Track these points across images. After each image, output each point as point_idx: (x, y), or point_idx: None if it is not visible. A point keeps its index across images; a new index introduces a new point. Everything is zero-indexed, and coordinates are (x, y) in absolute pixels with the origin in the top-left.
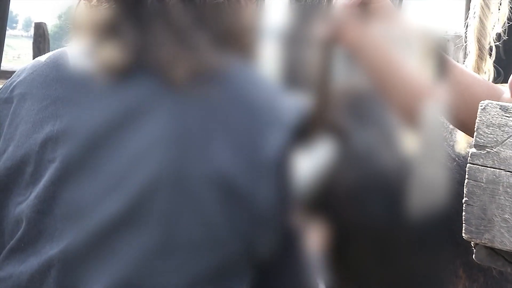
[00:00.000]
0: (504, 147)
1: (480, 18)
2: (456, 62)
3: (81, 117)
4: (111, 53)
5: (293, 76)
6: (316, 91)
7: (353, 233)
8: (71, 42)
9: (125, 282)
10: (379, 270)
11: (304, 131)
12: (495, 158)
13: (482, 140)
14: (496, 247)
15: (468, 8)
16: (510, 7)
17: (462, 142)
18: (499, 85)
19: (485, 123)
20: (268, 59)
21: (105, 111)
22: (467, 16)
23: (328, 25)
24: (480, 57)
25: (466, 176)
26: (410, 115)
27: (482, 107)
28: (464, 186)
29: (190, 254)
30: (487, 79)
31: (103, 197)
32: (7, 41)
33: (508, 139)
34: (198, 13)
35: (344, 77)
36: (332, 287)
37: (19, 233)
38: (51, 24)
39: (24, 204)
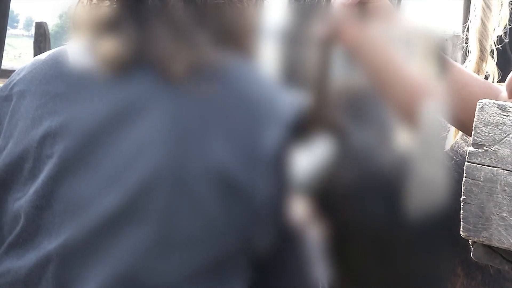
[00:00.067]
0: (501, 145)
1: (481, 19)
2: (454, 62)
3: (79, 112)
4: (110, 48)
5: (292, 75)
6: (315, 90)
7: (352, 232)
8: (71, 40)
9: (123, 277)
10: (378, 269)
11: (301, 127)
12: (492, 156)
13: (480, 139)
14: (493, 245)
15: (466, 8)
16: (511, 8)
17: (452, 138)
18: (497, 84)
19: (483, 122)
20: (267, 58)
21: (104, 106)
22: (467, 17)
23: (326, 24)
24: (481, 59)
25: (464, 174)
26: (409, 114)
27: (480, 106)
28: (462, 185)
29: (188, 249)
30: (491, 81)
31: (101, 192)
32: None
33: (506, 138)
34: (198, 12)
35: (342, 76)
36: (332, 286)
37: (18, 228)
38: (52, 24)
39: (22, 199)
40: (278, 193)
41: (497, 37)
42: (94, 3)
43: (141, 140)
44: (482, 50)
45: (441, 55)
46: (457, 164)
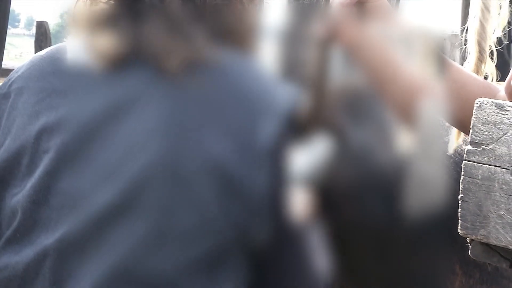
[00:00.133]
0: (499, 144)
1: (480, 21)
2: (452, 61)
3: (76, 107)
4: (106, 44)
5: (291, 74)
6: (314, 89)
7: (351, 231)
8: (69, 37)
9: (119, 270)
10: (377, 268)
11: (298, 120)
12: (490, 155)
13: (478, 138)
14: (491, 243)
15: (465, 7)
16: (511, 10)
17: (454, 141)
18: (495, 83)
19: (481, 121)
20: (267, 58)
21: (100, 101)
22: (465, 16)
23: (325, 24)
24: (480, 60)
25: (462, 173)
26: (407, 113)
27: (477, 105)
28: (460, 183)
29: (184, 243)
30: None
31: (97, 187)
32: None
33: (504, 136)
34: (196, 10)
35: (341, 76)
36: (332, 285)
37: (15, 223)
38: (53, 23)
39: (20, 195)
40: (276, 187)
41: (497, 38)
42: (93, 0)
43: (137, 135)
44: (481, 51)
45: (439, 55)
46: (456, 162)
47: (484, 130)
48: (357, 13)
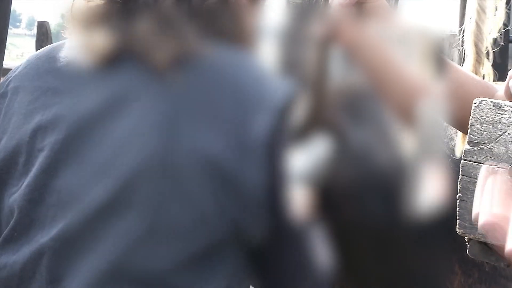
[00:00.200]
0: (497, 143)
1: (476, 22)
2: (450, 61)
3: (69, 105)
4: (97, 41)
5: (290, 74)
6: (313, 90)
7: (351, 231)
8: (67, 34)
9: (113, 268)
10: (377, 268)
11: (293, 114)
12: (488, 154)
13: (476, 137)
14: (489, 243)
15: (463, 8)
16: (506, 11)
17: (460, 144)
18: (493, 83)
19: (479, 120)
20: (265, 57)
21: (93, 98)
22: (463, 17)
23: (324, 24)
24: (478, 61)
25: (460, 172)
26: (407, 113)
27: (475, 105)
28: (458, 182)
29: (177, 239)
30: None
31: (91, 184)
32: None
33: (502, 136)
34: (190, 10)
35: (340, 76)
36: (332, 285)
37: (12, 222)
38: (54, 23)
39: (16, 194)
40: (272, 182)
41: (493, 39)
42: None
43: (129, 131)
44: (478, 52)
45: (438, 55)
46: (454, 162)
47: (482, 129)
48: (356, 13)
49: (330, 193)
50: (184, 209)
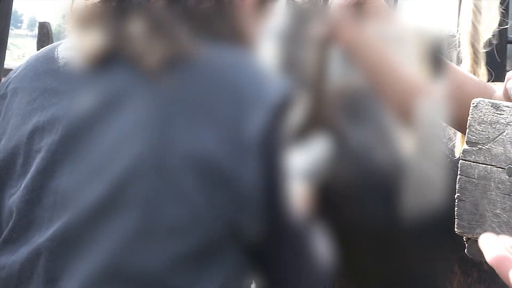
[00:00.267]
0: (495, 143)
1: (472, 23)
2: (449, 61)
3: (65, 106)
4: (90, 42)
5: (289, 74)
6: (313, 90)
7: (351, 231)
8: (67, 34)
9: (108, 267)
10: (377, 267)
11: (289, 112)
12: (486, 154)
13: (474, 137)
14: None
15: (461, 9)
16: (501, 11)
17: (460, 144)
18: (491, 84)
19: (477, 120)
20: (263, 57)
21: (88, 99)
22: (460, 20)
23: (324, 24)
24: (475, 62)
25: (459, 172)
26: (406, 113)
27: (474, 105)
28: (457, 182)
29: (171, 237)
30: None
31: (86, 185)
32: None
33: (500, 136)
34: (186, 12)
35: (340, 76)
36: (332, 285)
37: (10, 223)
38: (55, 24)
39: (15, 195)
40: (267, 180)
41: (488, 39)
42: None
43: (123, 132)
44: (475, 53)
45: (437, 55)
46: (453, 162)
47: (480, 129)
48: (355, 14)
49: (329, 193)
50: (178, 208)
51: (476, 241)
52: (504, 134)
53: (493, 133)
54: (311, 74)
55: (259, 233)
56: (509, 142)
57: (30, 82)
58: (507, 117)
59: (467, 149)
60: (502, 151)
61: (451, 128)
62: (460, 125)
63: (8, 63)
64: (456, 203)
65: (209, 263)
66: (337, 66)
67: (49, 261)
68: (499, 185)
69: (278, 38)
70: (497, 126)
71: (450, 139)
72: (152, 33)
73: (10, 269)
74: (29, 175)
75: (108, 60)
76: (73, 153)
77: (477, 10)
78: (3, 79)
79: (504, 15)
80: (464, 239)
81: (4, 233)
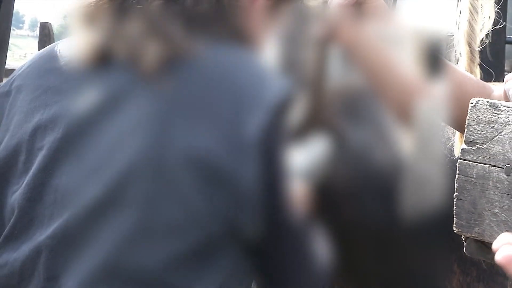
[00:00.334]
0: (493, 143)
1: (469, 22)
2: (447, 61)
3: (67, 105)
4: (89, 41)
5: (289, 74)
6: (312, 89)
7: (350, 230)
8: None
9: (107, 266)
10: (377, 267)
11: (289, 112)
12: (485, 154)
13: (473, 137)
14: (486, 241)
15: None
16: (496, 10)
17: (458, 144)
18: (489, 84)
19: (476, 120)
20: (264, 57)
21: (88, 98)
22: (457, 19)
23: (323, 24)
24: (472, 61)
25: (457, 171)
26: (405, 113)
27: (472, 105)
28: (455, 181)
29: (169, 236)
30: None
31: (85, 183)
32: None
33: (498, 136)
34: (184, 12)
35: (339, 76)
36: (331, 283)
37: (12, 220)
38: (56, 24)
39: (17, 192)
40: (266, 179)
41: (488, 40)
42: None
43: (122, 131)
44: (472, 52)
45: (436, 55)
46: (451, 161)
47: (479, 129)
48: (355, 13)
49: (328, 192)
50: (177, 208)
51: (474, 240)
52: (503, 133)
53: (491, 133)
54: (310, 74)
55: (258, 232)
56: (507, 142)
57: (34, 80)
58: (505, 117)
59: (465, 148)
60: (500, 150)
61: (450, 127)
62: (459, 125)
63: (9, 63)
64: (454, 202)
65: (208, 262)
66: (336, 66)
67: (49, 258)
68: (498, 184)
69: (277, 38)
70: (496, 125)
71: (448, 138)
72: (149, 33)
73: (12, 266)
74: (30, 173)
75: (108, 59)
76: (73, 152)
77: (473, 9)
78: (5, 79)
79: (502, 15)
80: (463, 238)
81: (6, 229)
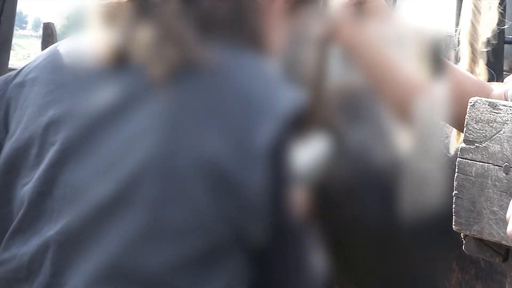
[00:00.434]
0: (492, 142)
1: (472, 22)
2: (447, 61)
3: (80, 102)
4: (105, 41)
5: (289, 74)
6: (312, 89)
7: (349, 230)
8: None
9: (112, 266)
10: (376, 266)
11: (299, 122)
12: (484, 152)
13: (472, 136)
14: (485, 239)
15: (459, 9)
16: (500, 12)
17: (455, 142)
18: (489, 83)
19: (475, 119)
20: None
21: (102, 97)
22: (459, 19)
23: (324, 23)
24: (474, 61)
25: (456, 170)
26: (404, 112)
27: (471, 104)
28: (454, 180)
29: (175, 240)
30: None
31: (94, 182)
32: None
33: (497, 135)
34: (201, 18)
35: (339, 75)
36: (330, 283)
37: (20, 214)
38: (59, 25)
39: (28, 185)
40: (274, 186)
41: (487, 39)
42: None
43: (134, 132)
44: (474, 52)
45: (435, 54)
46: (451, 160)
47: (478, 128)
48: (355, 13)
49: (328, 193)
50: (185, 211)
51: (473, 238)
52: (501, 132)
53: (490, 132)
54: (310, 73)
55: (263, 237)
56: (506, 141)
57: (49, 74)
58: (504, 116)
59: (464, 147)
60: (499, 149)
61: (449, 126)
62: (459, 124)
63: (12, 63)
64: (453, 201)
65: (213, 265)
66: (336, 65)
67: (56, 254)
68: (496, 183)
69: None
70: (494, 124)
71: (448, 137)
72: (164, 38)
73: (20, 260)
74: (42, 167)
75: (123, 60)
76: (85, 150)
77: (476, 10)
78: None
79: (502, 15)
80: (462, 236)
81: (14, 222)
